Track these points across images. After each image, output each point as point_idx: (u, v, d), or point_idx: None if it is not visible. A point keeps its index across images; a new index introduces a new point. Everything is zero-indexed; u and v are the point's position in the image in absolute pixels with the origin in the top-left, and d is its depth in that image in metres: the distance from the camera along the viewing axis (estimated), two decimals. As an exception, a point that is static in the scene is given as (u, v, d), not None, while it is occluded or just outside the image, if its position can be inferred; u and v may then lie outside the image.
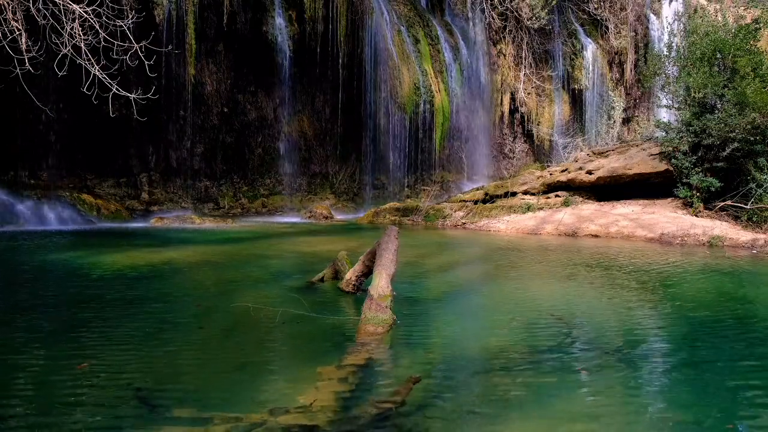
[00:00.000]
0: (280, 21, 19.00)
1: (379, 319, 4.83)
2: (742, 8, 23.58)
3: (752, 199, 12.76)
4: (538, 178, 17.29)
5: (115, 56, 7.91)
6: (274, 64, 19.17)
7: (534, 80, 24.58)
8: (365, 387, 3.68)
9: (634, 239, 12.18)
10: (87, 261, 8.61)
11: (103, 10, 7.66)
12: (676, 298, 6.68)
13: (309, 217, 17.87)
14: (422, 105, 21.12)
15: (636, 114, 27.18)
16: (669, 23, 25.24)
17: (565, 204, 15.43)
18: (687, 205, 13.87)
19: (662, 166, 14.46)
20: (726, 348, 4.70)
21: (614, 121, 24.38)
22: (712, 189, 13.30)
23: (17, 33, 7.32)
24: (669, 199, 14.42)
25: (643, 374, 4.06)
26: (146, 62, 8.05)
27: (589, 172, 15.80)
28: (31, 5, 7.40)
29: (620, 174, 15.12)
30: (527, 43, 24.30)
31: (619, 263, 9.03)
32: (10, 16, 7.34)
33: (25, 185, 16.05)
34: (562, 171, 16.72)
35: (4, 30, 7.41)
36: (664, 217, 13.15)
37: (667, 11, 27.07)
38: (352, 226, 15.99)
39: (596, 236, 12.71)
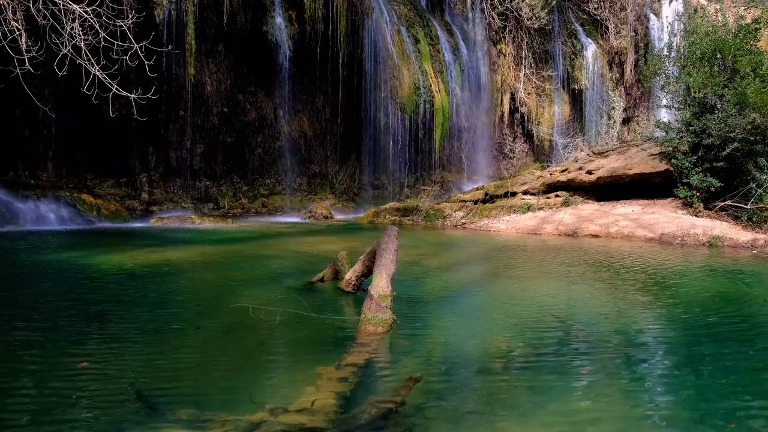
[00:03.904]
0: (280, 21, 18.99)
1: (379, 319, 4.82)
2: (742, 8, 23.60)
3: (752, 199, 12.76)
4: (538, 178, 17.29)
5: (115, 56, 7.92)
6: (274, 64, 19.16)
7: (534, 80, 24.57)
8: (365, 387, 3.68)
9: (635, 239, 12.18)
10: (87, 261, 8.60)
11: (103, 10, 7.66)
12: (676, 298, 6.68)
13: (309, 217, 17.86)
14: (422, 105, 21.11)
15: (636, 114, 27.17)
16: (669, 23, 25.25)
17: (565, 204, 15.43)
18: (687, 205, 13.87)
19: (662, 166, 14.45)
20: (726, 348, 4.70)
21: (614, 121, 24.37)
22: (712, 189, 13.30)
23: (17, 33, 7.32)
24: (669, 199, 14.42)
25: (643, 374, 4.05)
26: (146, 62, 8.05)
27: (589, 172, 15.80)
28: (31, 5, 7.40)
29: (620, 174, 15.11)
30: (527, 43, 24.29)
31: (620, 263, 9.03)
32: (10, 16, 7.34)
33: (25, 185, 16.03)
34: (562, 171, 16.71)
35: (4, 30, 7.41)
36: (664, 217, 13.15)
37: (667, 11, 27.07)
38: (352, 226, 15.98)
39: (596, 236, 12.70)
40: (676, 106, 15.42)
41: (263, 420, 3.06)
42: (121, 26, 7.65)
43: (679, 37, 16.69)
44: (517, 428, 3.15)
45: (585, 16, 26.29)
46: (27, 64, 7.32)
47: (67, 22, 7.30)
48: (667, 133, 14.80)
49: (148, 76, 9.93)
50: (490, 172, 23.58)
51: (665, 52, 16.34)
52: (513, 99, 24.62)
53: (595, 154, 17.40)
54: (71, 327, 5.05)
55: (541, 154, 25.13)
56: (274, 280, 7.47)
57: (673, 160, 14.11)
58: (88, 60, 7.42)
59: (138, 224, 15.53)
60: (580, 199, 15.64)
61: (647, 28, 26.88)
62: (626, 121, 26.50)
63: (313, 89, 20.39)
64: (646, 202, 14.65)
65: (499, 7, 23.53)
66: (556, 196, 16.01)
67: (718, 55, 14.26)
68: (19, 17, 7.43)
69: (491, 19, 23.62)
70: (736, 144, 13.01)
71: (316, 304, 5.83)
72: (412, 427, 3.09)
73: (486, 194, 17.42)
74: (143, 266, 8.23)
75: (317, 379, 3.69)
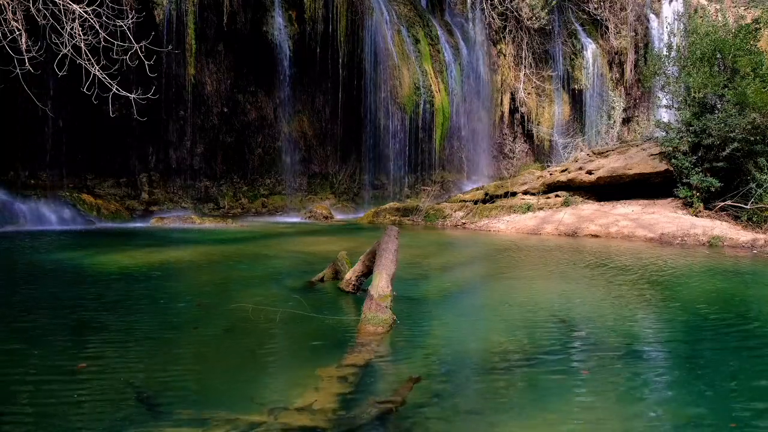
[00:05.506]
0: (280, 21, 18.99)
1: (379, 319, 4.83)
2: (742, 8, 23.61)
3: (752, 199, 12.76)
4: (538, 178, 17.29)
5: (115, 56, 7.91)
6: (274, 64, 19.15)
7: (534, 80, 24.57)
8: (365, 387, 3.68)
9: (635, 239, 12.18)
10: (87, 261, 8.60)
11: (103, 10, 7.66)
12: (676, 298, 6.68)
13: (309, 217, 17.86)
14: (422, 105, 21.11)
15: (636, 114, 27.18)
16: (669, 23, 25.27)
17: (565, 204, 15.43)
18: (687, 205, 13.86)
19: (662, 166, 14.45)
20: (727, 348, 4.70)
21: (614, 121, 24.36)
22: (712, 189, 13.29)
23: (17, 33, 7.33)
24: (669, 199, 14.42)
25: (643, 374, 4.05)
26: (146, 62, 8.05)
27: (589, 172, 15.80)
28: (31, 5, 7.40)
29: (620, 174, 15.11)
30: (527, 43, 24.28)
31: (620, 263, 9.03)
32: (10, 16, 7.34)
33: (25, 185, 16.03)
34: (562, 171, 16.71)
35: (4, 30, 7.41)
36: (664, 217, 13.14)
37: (667, 11, 27.07)
38: (352, 226, 15.99)
39: (596, 236, 12.70)
40: (676, 106, 15.41)
41: (263, 420, 3.06)
42: (121, 26, 7.65)
43: (679, 37, 16.71)
44: (517, 428, 3.15)
45: (585, 16, 26.28)
46: (27, 64, 7.32)
47: (67, 22, 7.30)
48: (667, 133, 14.79)
49: (148, 76, 9.92)
50: (490, 172, 23.58)
51: (665, 52, 16.34)
52: (513, 99, 24.62)
53: (595, 154, 17.40)
54: (71, 327, 5.05)
55: (541, 154, 25.12)
56: (274, 280, 7.47)
57: (673, 160, 14.11)
58: (88, 60, 7.42)
59: (138, 224, 15.54)
60: (580, 199, 15.64)
61: (647, 28, 26.88)
62: (626, 121, 26.50)
63: (313, 89, 20.38)
64: (646, 202, 14.65)
65: (499, 7, 23.52)
66: (556, 196, 16.00)
67: (718, 55, 14.25)
68: (19, 17, 7.44)
69: (491, 19, 23.62)
70: (736, 144, 13.00)
71: (316, 304, 5.83)
72: (411, 428, 3.09)
73: (486, 194, 17.43)
74: (143, 266, 8.23)
75: (317, 380, 3.69)
